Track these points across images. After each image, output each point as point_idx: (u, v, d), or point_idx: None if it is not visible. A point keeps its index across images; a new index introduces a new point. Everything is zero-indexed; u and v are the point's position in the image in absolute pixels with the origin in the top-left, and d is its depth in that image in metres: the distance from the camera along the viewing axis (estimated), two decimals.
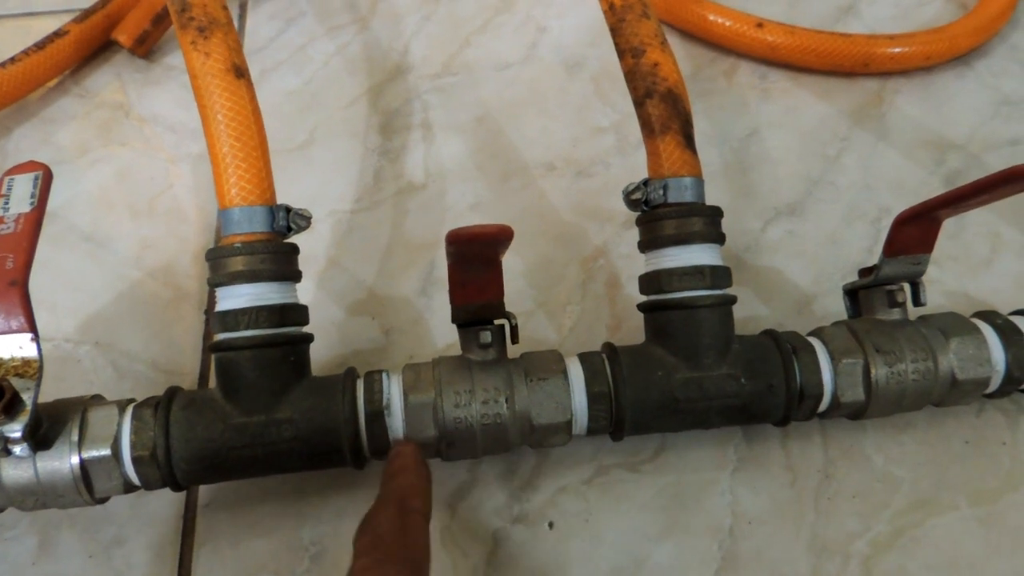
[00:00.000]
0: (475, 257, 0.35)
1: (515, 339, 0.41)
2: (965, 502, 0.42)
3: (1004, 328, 0.42)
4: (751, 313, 0.49)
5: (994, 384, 0.41)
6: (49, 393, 0.38)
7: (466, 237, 0.29)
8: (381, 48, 0.63)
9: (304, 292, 0.49)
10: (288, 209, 0.41)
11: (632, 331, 0.48)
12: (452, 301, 0.38)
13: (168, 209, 0.54)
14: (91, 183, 0.55)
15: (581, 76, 0.61)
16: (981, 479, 0.43)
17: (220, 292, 0.39)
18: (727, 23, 0.60)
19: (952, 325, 0.42)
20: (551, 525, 0.42)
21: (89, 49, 0.61)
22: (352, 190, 0.55)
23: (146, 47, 0.61)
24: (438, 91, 0.60)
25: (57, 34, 0.59)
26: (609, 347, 0.41)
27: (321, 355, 0.47)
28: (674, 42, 0.62)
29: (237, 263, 0.39)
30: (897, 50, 0.58)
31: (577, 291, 0.50)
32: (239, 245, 0.39)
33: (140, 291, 0.50)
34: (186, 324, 0.49)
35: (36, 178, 0.38)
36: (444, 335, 0.48)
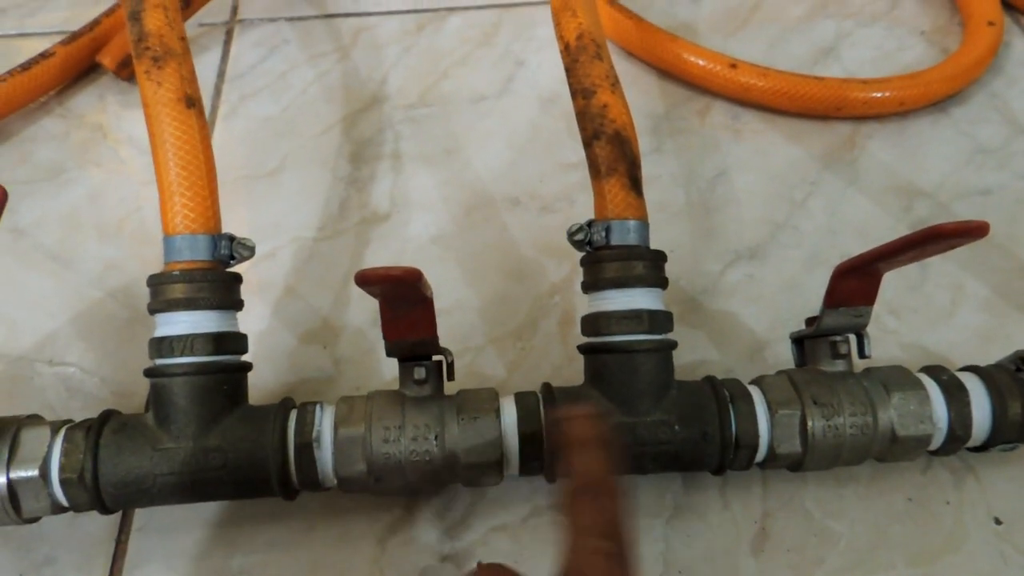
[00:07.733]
0: (401, 295, 0.35)
1: (451, 376, 0.41)
2: (902, 562, 0.41)
3: (948, 385, 0.41)
4: (702, 357, 0.48)
5: (936, 442, 0.41)
6: None
7: (373, 279, 0.29)
8: (359, 78, 0.64)
9: (258, 318, 0.50)
10: (232, 238, 0.41)
11: (582, 370, 0.48)
12: (384, 336, 0.39)
13: (135, 231, 0.55)
14: (63, 203, 0.56)
15: (554, 112, 0.61)
16: (921, 538, 0.42)
17: (158, 319, 0.40)
18: (701, 62, 0.60)
19: (895, 379, 0.41)
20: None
21: (75, 71, 0.62)
22: (317, 218, 0.55)
23: (130, 70, 0.62)
24: (411, 121, 0.61)
25: (44, 55, 0.60)
26: (546, 387, 0.41)
27: (269, 382, 0.48)
28: (649, 80, 0.63)
29: (176, 291, 0.39)
30: (871, 95, 0.58)
31: (529, 328, 0.50)
32: (178, 273, 0.39)
33: (99, 311, 0.51)
34: (139, 345, 0.49)
35: None
36: (393, 367, 0.47)
